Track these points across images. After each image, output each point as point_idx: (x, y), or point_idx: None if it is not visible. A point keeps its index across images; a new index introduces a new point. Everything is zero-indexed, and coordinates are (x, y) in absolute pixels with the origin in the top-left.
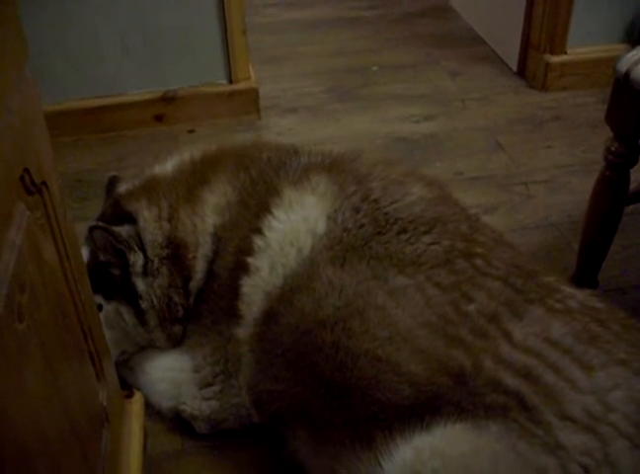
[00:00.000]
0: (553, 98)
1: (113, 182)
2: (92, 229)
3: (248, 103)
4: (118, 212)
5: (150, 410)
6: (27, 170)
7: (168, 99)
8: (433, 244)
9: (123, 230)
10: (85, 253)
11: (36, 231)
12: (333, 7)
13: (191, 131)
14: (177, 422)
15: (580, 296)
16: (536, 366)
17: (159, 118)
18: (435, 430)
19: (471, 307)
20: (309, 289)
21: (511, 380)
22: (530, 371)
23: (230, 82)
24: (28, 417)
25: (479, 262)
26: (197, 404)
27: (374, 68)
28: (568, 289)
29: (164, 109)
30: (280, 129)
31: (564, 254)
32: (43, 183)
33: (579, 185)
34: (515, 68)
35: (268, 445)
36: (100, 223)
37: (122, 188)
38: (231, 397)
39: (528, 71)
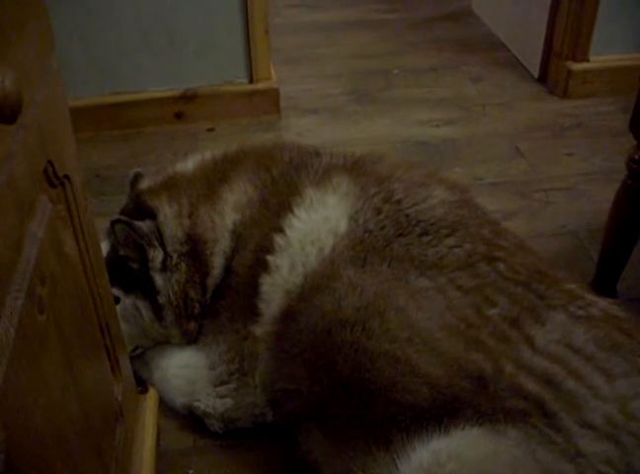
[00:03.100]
0: (574, 105)
1: (137, 177)
2: (114, 223)
3: (268, 103)
4: (139, 207)
5: (164, 406)
6: (50, 162)
7: (188, 97)
8: (455, 247)
9: (144, 225)
10: (105, 246)
11: (57, 224)
12: (354, 9)
13: (210, 130)
14: (190, 419)
15: (602, 304)
16: (558, 373)
17: (179, 116)
18: (453, 433)
19: (493, 311)
20: (329, 289)
21: (531, 386)
22: (552, 377)
23: (251, 81)
24: (45, 408)
25: (501, 266)
26: (211, 401)
27: (395, 71)
28: (590, 297)
29: (184, 106)
30: (300, 130)
31: (582, 262)
32: (66, 176)
33: (598, 193)
34: (536, 74)
35: (281, 445)
36: (122, 217)
37: (144, 183)
38: (246, 395)
39: (550, 78)
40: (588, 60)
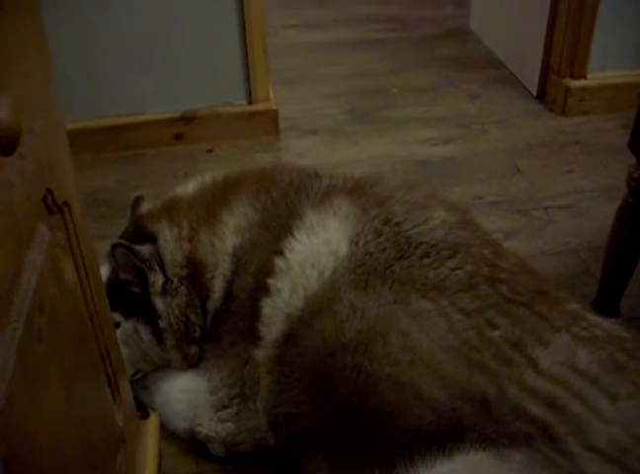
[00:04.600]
0: (573, 122)
1: (137, 201)
2: (114, 247)
3: (267, 124)
4: (139, 231)
5: (165, 431)
6: (49, 190)
7: (187, 118)
8: (456, 269)
9: (145, 249)
10: (105, 270)
11: (57, 252)
12: (352, 29)
13: (209, 151)
14: (192, 443)
15: (605, 325)
16: (562, 395)
17: (178, 138)
18: (456, 457)
19: (495, 333)
20: (330, 312)
21: (535, 409)
22: (556, 400)
23: (250, 103)
24: (45, 437)
25: (503, 288)
26: (212, 426)
27: (394, 90)
28: (593, 317)
29: (183, 128)
30: (300, 151)
31: (584, 280)
32: (65, 203)
33: (599, 210)
34: (534, 92)
35: (284, 470)
36: (122, 241)
37: (145, 207)
38: (247, 420)
39: (548, 95)
40: (585, 77)
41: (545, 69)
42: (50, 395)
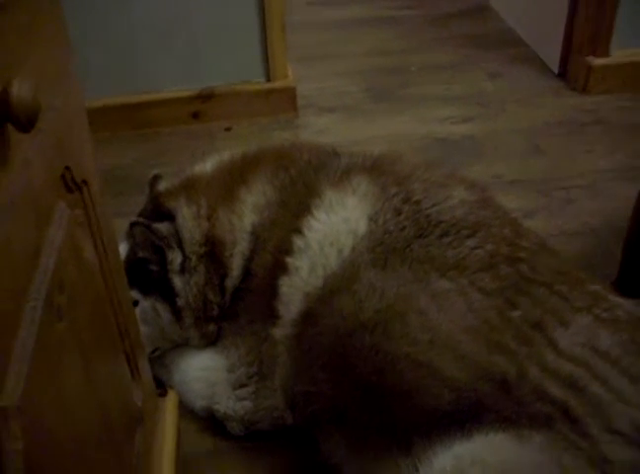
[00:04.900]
0: (595, 101)
1: (155, 179)
2: (132, 225)
3: (285, 101)
4: (157, 210)
5: (183, 409)
6: (68, 168)
7: (205, 96)
8: (476, 248)
9: (163, 227)
10: (123, 248)
11: (75, 230)
12: (372, 6)
13: (227, 129)
14: (210, 421)
15: (627, 306)
16: (583, 377)
17: (196, 116)
18: (476, 437)
19: (516, 313)
20: (349, 291)
21: (556, 390)
22: (576, 381)
23: (268, 80)
24: (64, 416)
25: (524, 267)
26: (230, 404)
27: (413, 68)
28: (615, 298)
29: (201, 106)
30: (318, 128)
31: (605, 261)
32: (84, 181)
33: (620, 190)
34: (555, 70)
35: (301, 449)
36: (140, 219)
37: (162, 185)
38: (265, 398)
39: (570, 73)
40: (608, 55)
41: (567, 47)
42: (70, 374)
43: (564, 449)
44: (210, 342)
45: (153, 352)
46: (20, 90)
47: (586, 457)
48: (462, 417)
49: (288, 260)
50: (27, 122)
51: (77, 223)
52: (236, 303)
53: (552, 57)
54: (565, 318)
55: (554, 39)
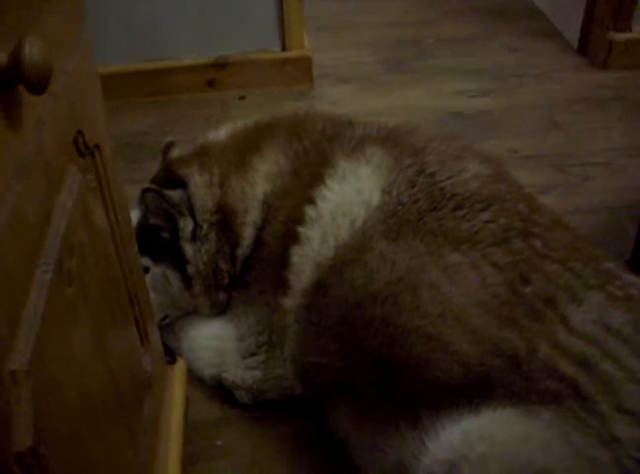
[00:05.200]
0: (615, 77)
1: (169, 146)
2: (145, 191)
3: (301, 71)
4: (170, 176)
5: (192, 376)
6: (80, 132)
7: (220, 64)
8: (489, 222)
9: (175, 194)
10: (135, 215)
11: (87, 194)
12: None
13: (242, 98)
14: (219, 390)
15: None
16: (594, 354)
17: (210, 84)
18: (484, 412)
19: (528, 289)
20: (361, 262)
21: (566, 367)
22: (587, 359)
23: (284, 49)
24: (74, 381)
25: (537, 242)
26: (239, 373)
27: (430, 40)
28: (628, 277)
29: (216, 74)
30: (333, 99)
31: (619, 239)
32: (96, 145)
33: (638, 168)
34: (575, 45)
35: (309, 419)
36: (153, 186)
37: (175, 152)
38: (274, 368)
39: (590, 48)
40: (630, 30)
41: (588, 21)
42: (80, 339)
43: (573, 427)
44: (220, 310)
45: (163, 319)
46: (31, 51)
47: (595, 435)
48: (471, 391)
49: (300, 229)
50: (38, 84)
51: (89, 188)
52: (247, 272)
53: (572, 32)
54: (578, 295)
55: (575, 12)
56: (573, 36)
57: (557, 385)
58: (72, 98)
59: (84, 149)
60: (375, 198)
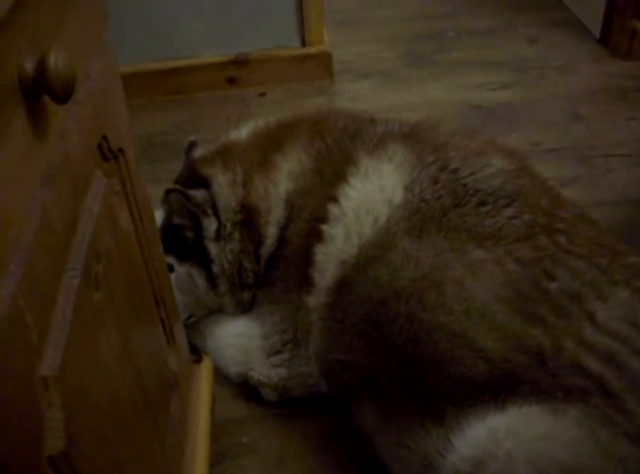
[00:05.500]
0: (638, 67)
1: (191, 146)
2: (168, 192)
3: (321, 67)
4: (193, 176)
5: (218, 374)
6: (104, 137)
7: (240, 62)
8: (513, 218)
9: (199, 194)
10: (159, 215)
11: (112, 198)
12: None
13: (262, 95)
14: (244, 388)
15: None
16: (620, 351)
17: (231, 81)
18: (510, 410)
19: (553, 285)
20: (385, 260)
21: (593, 364)
22: (614, 356)
23: (303, 45)
24: (102, 384)
25: (561, 238)
26: (265, 371)
27: (450, 33)
28: None
29: (236, 71)
30: (353, 95)
31: None
32: (120, 149)
33: None
34: (597, 35)
35: (334, 416)
36: (176, 186)
37: (198, 152)
38: (299, 366)
39: (612, 38)
40: None
41: (610, 10)
42: (107, 342)
43: (600, 424)
44: (245, 309)
45: (188, 318)
46: (56, 61)
47: (622, 433)
48: (496, 388)
49: (324, 227)
50: (63, 94)
51: (113, 192)
52: (271, 271)
53: (594, 21)
54: (603, 291)
55: (596, 1)
56: (594, 25)
57: (583, 382)
58: (96, 103)
59: (108, 153)
60: (398, 196)
